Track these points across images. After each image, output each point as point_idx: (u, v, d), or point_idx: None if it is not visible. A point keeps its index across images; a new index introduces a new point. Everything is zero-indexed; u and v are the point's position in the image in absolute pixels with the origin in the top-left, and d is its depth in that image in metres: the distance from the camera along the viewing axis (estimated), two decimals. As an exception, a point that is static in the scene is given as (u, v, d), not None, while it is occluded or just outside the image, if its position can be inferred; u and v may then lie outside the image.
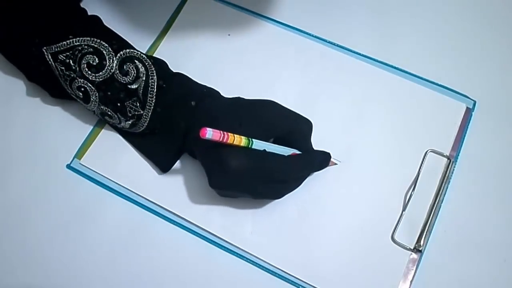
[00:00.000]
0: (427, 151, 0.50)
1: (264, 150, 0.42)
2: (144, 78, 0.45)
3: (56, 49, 0.45)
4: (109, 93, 0.44)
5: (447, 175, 0.49)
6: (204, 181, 0.47)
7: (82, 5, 0.49)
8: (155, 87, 0.45)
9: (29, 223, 0.47)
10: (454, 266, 0.46)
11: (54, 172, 0.49)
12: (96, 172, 0.49)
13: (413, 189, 0.48)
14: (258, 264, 0.46)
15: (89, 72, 0.44)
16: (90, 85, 0.44)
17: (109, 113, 0.45)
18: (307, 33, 0.55)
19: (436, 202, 0.48)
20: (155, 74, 0.45)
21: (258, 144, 0.41)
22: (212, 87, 0.48)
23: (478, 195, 0.48)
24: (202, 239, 0.46)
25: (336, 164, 0.49)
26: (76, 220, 0.47)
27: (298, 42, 0.55)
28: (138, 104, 0.45)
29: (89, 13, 0.49)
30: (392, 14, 0.57)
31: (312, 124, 0.46)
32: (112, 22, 0.49)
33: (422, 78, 0.53)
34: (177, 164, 0.48)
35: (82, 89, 0.45)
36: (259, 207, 0.47)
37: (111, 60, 0.44)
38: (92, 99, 0.45)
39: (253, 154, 0.41)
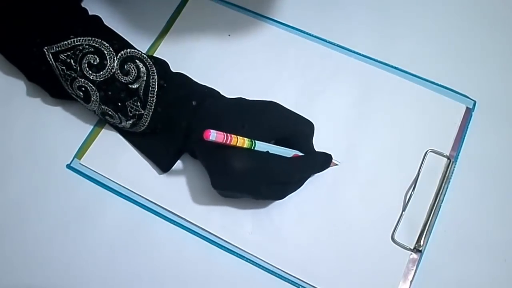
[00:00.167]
0: (427, 151, 0.50)
1: (267, 151, 0.42)
2: (145, 78, 0.45)
3: (57, 49, 0.45)
4: (109, 92, 0.44)
5: (447, 175, 0.49)
6: (204, 181, 0.47)
7: (82, 5, 0.49)
8: (156, 86, 0.45)
9: (29, 223, 0.47)
10: (454, 266, 0.46)
11: (54, 172, 0.49)
12: (96, 172, 0.49)
13: (413, 189, 0.48)
14: (258, 264, 0.46)
15: (90, 72, 0.44)
16: (91, 85, 0.44)
17: (110, 113, 0.45)
18: (307, 33, 0.55)
19: (436, 202, 0.48)
20: (156, 73, 0.45)
21: (261, 146, 0.41)
22: (213, 87, 0.48)
23: (478, 195, 0.49)
24: (202, 239, 0.46)
25: (336, 164, 0.49)
26: (76, 220, 0.47)
27: (298, 43, 0.55)
28: (139, 104, 0.45)
29: (89, 13, 0.49)
30: (392, 14, 0.57)
31: (314, 126, 0.46)
32: (113, 22, 0.49)
33: (422, 78, 0.53)
34: (177, 164, 0.48)
35: (83, 88, 0.45)
36: (259, 207, 0.47)
37: (112, 60, 0.44)
38: (92, 98, 0.45)
39: (256, 156, 0.41)
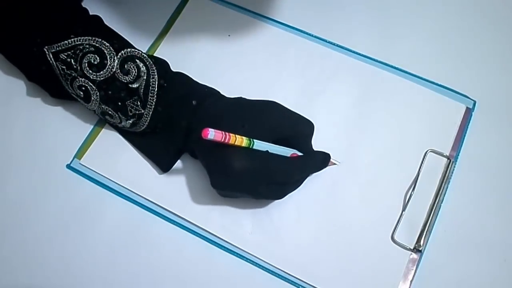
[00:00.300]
0: (427, 151, 0.50)
1: (267, 151, 0.42)
2: (145, 77, 0.45)
3: (57, 48, 0.45)
4: (110, 92, 0.44)
5: (447, 175, 0.49)
6: (204, 181, 0.47)
7: (83, 5, 0.49)
8: (156, 86, 0.45)
9: (29, 223, 0.47)
10: (454, 266, 0.46)
11: (54, 172, 0.49)
12: (96, 172, 0.49)
13: (413, 189, 0.48)
14: (258, 264, 0.46)
15: (90, 71, 0.44)
16: (91, 84, 0.44)
17: (110, 112, 0.45)
18: (307, 33, 0.55)
19: (436, 202, 0.48)
20: (156, 73, 0.45)
21: (259, 145, 0.41)
22: (213, 87, 0.48)
23: (478, 195, 0.49)
24: (202, 239, 0.46)
25: (336, 164, 0.49)
26: (76, 220, 0.47)
27: (298, 42, 0.55)
28: (139, 103, 0.45)
29: (90, 13, 0.48)
30: (392, 14, 0.57)
31: (314, 125, 0.46)
32: (113, 22, 0.49)
33: (422, 78, 0.53)
34: (177, 164, 0.48)
35: (83, 88, 0.45)
36: (259, 207, 0.47)
37: (112, 59, 0.44)
38: (93, 98, 0.45)
39: (256, 156, 0.41)
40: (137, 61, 0.45)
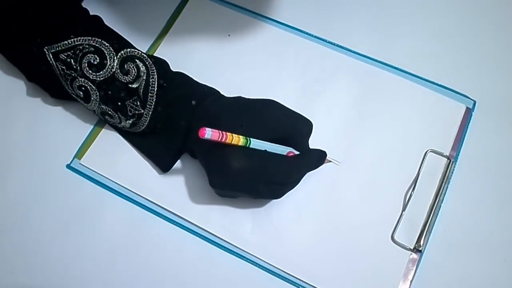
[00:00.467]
0: (427, 151, 0.50)
1: (265, 150, 0.42)
2: (144, 77, 0.45)
3: (57, 49, 0.45)
4: (109, 92, 0.44)
5: (447, 175, 0.49)
6: (204, 181, 0.47)
7: (83, 5, 0.49)
8: (156, 86, 0.45)
9: (29, 223, 0.47)
10: (454, 266, 0.46)
11: (54, 172, 0.49)
12: (96, 172, 0.49)
13: (413, 189, 0.48)
14: (258, 264, 0.46)
15: (90, 71, 0.44)
16: (91, 84, 0.44)
17: (110, 112, 0.45)
18: (307, 33, 0.55)
19: (436, 202, 0.48)
20: (155, 73, 0.45)
21: (256, 144, 0.41)
22: (213, 87, 0.48)
23: (478, 195, 0.49)
24: (202, 239, 0.46)
25: (335, 164, 0.48)
26: (76, 220, 0.47)
27: (298, 42, 0.55)
28: (138, 103, 0.45)
29: (90, 14, 0.49)
30: (392, 14, 0.57)
31: (312, 124, 0.46)
32: (113, 22, 0.49)
33: (422, 78, 0.53)
34: (177, 164, 0.48)
35: (83, 88, 0.45)
36: (258, 207, 0.47)
37: (112, 60, 0.44)
38: (92, 98, 0.45)
39: (254, 155, 0.41)
40: (137, 61, 0.45)
